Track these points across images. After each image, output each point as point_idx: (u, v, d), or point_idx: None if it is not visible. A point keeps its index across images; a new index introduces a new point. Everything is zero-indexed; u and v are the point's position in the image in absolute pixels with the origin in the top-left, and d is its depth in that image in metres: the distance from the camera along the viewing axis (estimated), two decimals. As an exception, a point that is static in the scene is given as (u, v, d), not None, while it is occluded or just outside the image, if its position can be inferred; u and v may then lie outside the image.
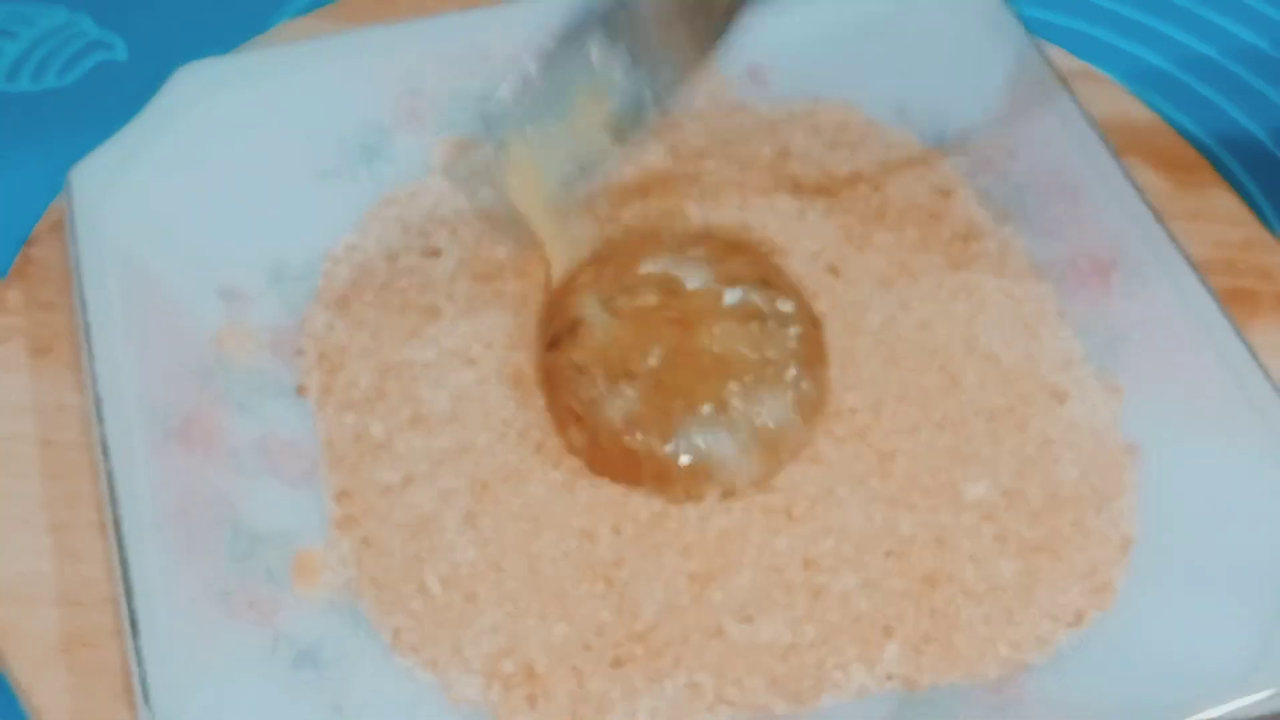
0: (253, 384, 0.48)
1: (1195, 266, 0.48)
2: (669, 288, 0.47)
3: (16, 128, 0.58)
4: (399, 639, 0.43)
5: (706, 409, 0.45)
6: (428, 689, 0.42)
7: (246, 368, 0.48)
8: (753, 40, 0.47)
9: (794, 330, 0.47)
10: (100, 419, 0.44)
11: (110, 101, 0.56)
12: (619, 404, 0.46)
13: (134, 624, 0.41)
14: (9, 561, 0.44)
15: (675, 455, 0.45)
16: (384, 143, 0.53)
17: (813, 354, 0.47)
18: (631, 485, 0.46)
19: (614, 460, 0.46)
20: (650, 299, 0.47)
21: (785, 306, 0.47)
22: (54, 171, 0.52)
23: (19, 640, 0.43)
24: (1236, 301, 0.49)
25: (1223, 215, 0.53)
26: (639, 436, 0.45)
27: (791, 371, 0.46)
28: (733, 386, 0.46)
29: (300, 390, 0.48)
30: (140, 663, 0.40)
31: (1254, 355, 0.46)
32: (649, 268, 0.48)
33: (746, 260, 0.49)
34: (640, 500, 0.45)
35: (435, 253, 0.52)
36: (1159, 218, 0.49)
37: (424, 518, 0.45)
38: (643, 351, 0.46)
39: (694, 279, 0.48)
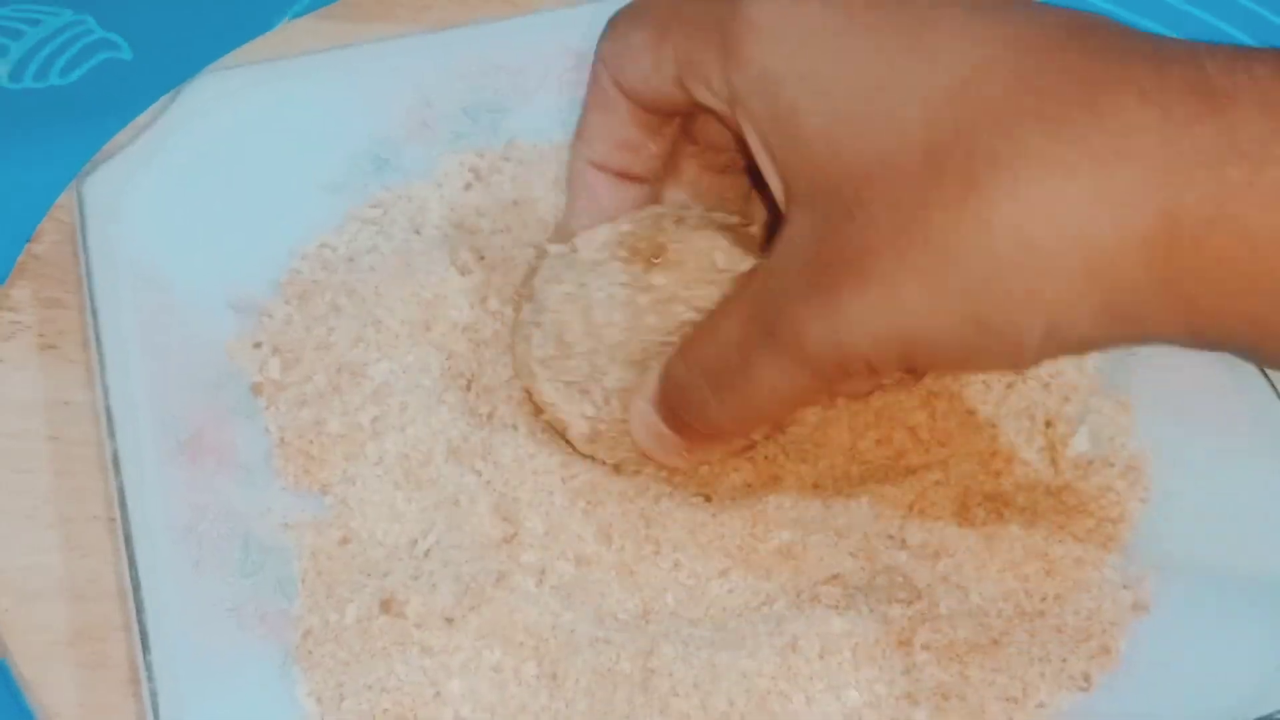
0: (262, 395, 0.47)
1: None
2: None
3: (21, 126, 0.58)
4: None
5: None
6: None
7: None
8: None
9: None
10: (111, 433, 0.44)
11: (114, 100, 0.55)
12: None
13: (144, 639, 0.41)
14: (15, 556, 0.44)
15: None
16: (394, 154, 0.53)
17: None
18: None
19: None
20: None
21: None
22: (58, 169, 0.52)
23: (25, 634, 0.43)
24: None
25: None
26: None
27: None
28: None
29: (255, 389, 0.47)
30: (151, 677, 0.40)
31: (1264, 372, 0.46)
32: None
33: None
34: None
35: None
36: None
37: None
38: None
39: None
